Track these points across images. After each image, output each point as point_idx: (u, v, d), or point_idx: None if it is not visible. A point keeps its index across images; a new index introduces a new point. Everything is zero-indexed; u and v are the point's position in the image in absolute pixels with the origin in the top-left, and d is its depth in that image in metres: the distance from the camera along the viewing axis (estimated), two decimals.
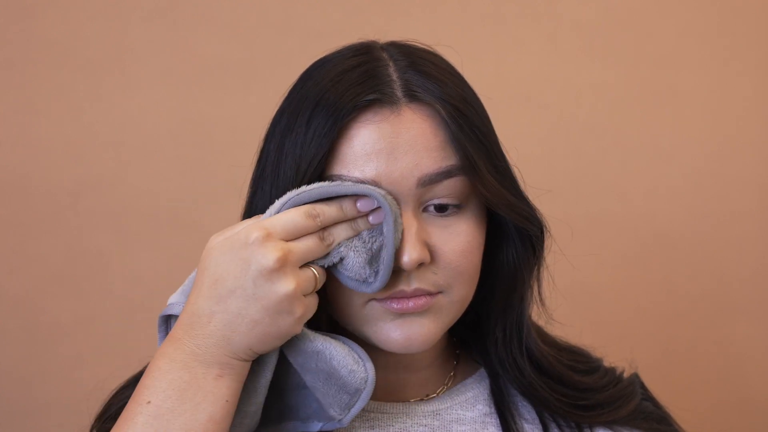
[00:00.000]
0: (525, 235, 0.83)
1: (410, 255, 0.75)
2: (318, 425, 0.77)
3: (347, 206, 0.75)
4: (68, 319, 1.42)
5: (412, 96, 0.77)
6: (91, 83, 1.42)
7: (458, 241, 0.78)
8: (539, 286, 0.87)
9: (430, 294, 0.78)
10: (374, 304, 0.78)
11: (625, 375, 0.95)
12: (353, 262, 0.75)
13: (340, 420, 0.76)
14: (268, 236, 0.71)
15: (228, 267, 0.71)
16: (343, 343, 0.76)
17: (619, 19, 1.56)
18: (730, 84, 1.58)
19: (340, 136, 0.76)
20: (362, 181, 0.75)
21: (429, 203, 0.78)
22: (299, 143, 0.77)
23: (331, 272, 0.77)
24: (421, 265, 0.76)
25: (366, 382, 0.75)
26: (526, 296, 0.86)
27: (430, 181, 0.76)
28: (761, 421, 1.59)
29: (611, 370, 0.94)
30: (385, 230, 0.74)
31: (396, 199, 0.76)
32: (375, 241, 0.75)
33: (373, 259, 0.75)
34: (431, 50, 0.84)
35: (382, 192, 0.75)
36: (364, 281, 0.75)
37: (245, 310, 0.71)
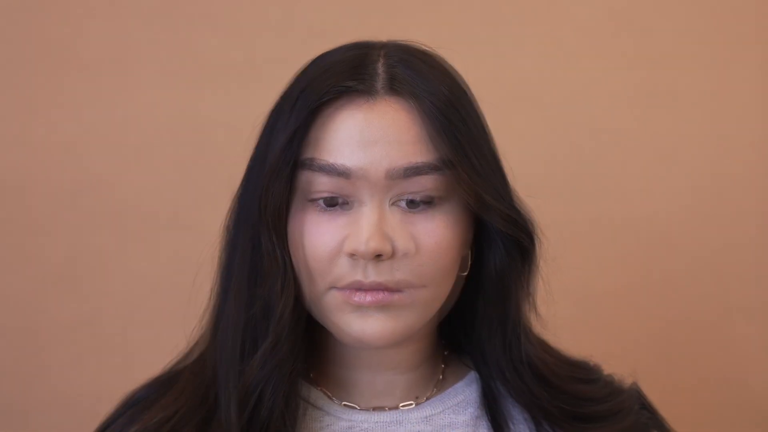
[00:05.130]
0: (511, 241, 0.82)
1: (368, 244, 0.74)
2: None
3: None
4: (68, 319, 1.42)
5: (391, 89, 0.77)
6: (91, 83, 1.41)
7: (424, 241, 0.77)
8: (533, 295, 0.86)
9: (389, 290, 0.77)
10: (335, 293, 0.78)
11: (626, 382, 0.94)
12: None
13: None
14: None
15: None
16: None
17: (619, 19, 1.56)
18: (730, 84, 1.58)
19: (315, 120, 0.77)
20: (332, 165, 0.76)
21: (400, 198, 0.77)
22: (282, 128, 0.78)
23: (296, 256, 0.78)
24: (380, 257, 0.76)
25: None
26: (522, 304, 0.85)
27: (399, 175, 0.76)
28: (761, 421, 1.59)
29: (610, 381, 0.93)
30: None
31: (366, 187, 0.76)
32: None
33: None
34: (431, 52, 0.84)
35: None
36: None
37: None
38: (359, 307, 0.77)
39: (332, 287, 0.78)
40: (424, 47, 0.84)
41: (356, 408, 0.86)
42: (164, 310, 1.43)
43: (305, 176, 0.77)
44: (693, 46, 1.57)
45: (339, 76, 0.77)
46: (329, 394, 0.86)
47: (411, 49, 0.83)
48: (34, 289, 1.41)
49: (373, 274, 0.76)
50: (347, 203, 0.77)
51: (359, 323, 0.78)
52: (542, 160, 1.51)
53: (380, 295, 0.77)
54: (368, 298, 0.77)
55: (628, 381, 0.95)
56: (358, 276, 0.76)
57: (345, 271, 0.77)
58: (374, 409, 0.86)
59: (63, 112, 1.41)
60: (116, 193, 1.42)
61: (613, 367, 0.96)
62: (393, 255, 0.76)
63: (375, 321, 0.77)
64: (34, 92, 1.40)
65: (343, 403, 0.86)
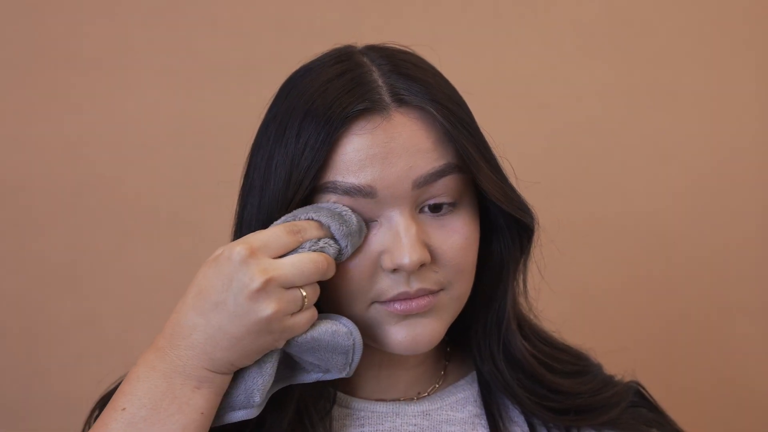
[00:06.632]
0: (515, 228, 0.84)
1: (411, 257, 0.75)
2: (321, 376, 0.78)
3: (326, 223, 0.75)
4: (68, 319, 1.42)
5: (400, 100, 0.77)
6: (92, 83, 1.42)
7: (456, 238, 0.79)
8: (524, 280, 0.87)
9: (432, 292, 0.78)
10: (378, 307, 0.78)
11: (626, 380, 0.94)
12: None
13: (346, 373, 0.77)
14: (251, 254, 0.71)
15: (212, 281, 0.71)
16: (321, 319, 0.76)
17: (618, 18, 1.56)
18: (730, 84, 1.59)
19: (333, 145, 0.76)
20: (358, 187, 0.75)
21: (424, 204, 0.78)
22: (290, 154, 0.77)
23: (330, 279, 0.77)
24: (422, 265, 0.77)
25: (352, 336, 0.76)
26: (510, 289, 0.86)
27: (425, 181, 0.77)
28: (761, 421, 1.59)
29: (601, 378, 0.92)
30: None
31: (393, 202, 0.76)
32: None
33: None
34: (410, 51, 0.84)
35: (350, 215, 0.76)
36: None
37: (226, 327, 0.71)
38: (405, 316, 0.79)
39: (374, 302, 0.79)
40: (400, 47, 0.84)
41: (355, 397, 0.86)
42: (164, 310, 1.43)
43: (328, 200, 0.77)
44: (693, 45, 1.57)
45: (345, 97, 0.76)
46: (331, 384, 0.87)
47: (392, 52, 0.83)
48: (34, 289, 1.41)
49: (416, 282, 0.77)
50: (374, 220, 0.78)
51: (408, 331, 0.79)
52: (542, 160, 1.52)
53: (425, 300, 0.78)
54: (414, 304, 0.78)
55: (627, 379, 0.95)
56: (402, 288, 0.77)
57: (387, 285, 0.78)
58: (374, 400, 0.86)
59: (63, 112, 1.41)
60: (116, 193, 1.43)
61: (612, 366, 0.96)
62: (432, 260, 0.78)
63: (422, 326, 0.79)
64: (34, 92, 1.40)
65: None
